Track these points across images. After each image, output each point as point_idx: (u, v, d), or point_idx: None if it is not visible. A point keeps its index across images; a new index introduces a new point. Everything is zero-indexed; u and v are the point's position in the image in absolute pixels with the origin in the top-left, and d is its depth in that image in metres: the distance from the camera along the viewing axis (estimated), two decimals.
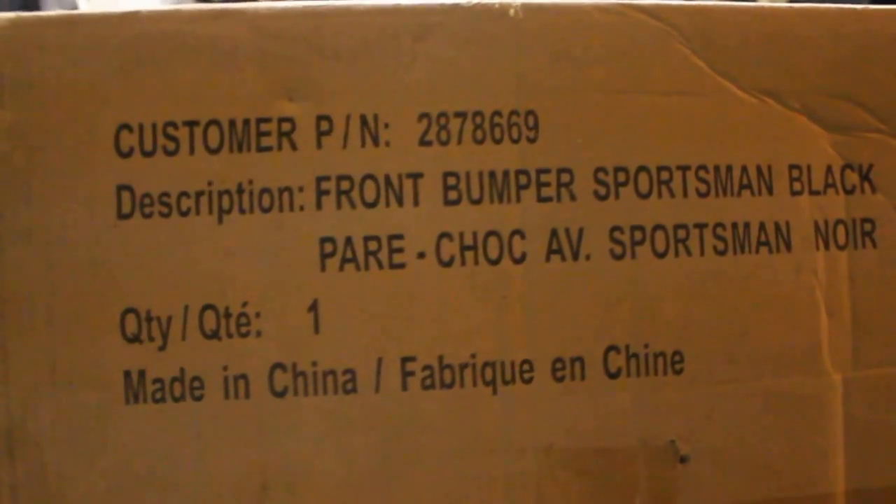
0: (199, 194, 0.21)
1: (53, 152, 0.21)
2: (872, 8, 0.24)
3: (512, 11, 0.22)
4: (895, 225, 0.24)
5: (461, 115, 0.22)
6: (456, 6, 0.22)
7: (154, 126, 0.21)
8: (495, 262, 0.22)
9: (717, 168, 0.23)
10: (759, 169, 0.23)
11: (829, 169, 0.23)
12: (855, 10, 0.24)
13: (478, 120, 0.22)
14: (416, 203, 0.22)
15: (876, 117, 0.24)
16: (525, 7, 0.22)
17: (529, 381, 0.22)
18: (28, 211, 0.21)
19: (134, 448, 0.21)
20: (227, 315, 0.21)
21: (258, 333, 0.21)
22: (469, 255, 0.22)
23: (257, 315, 0.21)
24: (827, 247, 0.23)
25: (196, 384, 0.21)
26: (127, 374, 0.21)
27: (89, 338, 0.21)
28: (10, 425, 0.20)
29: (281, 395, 0.21)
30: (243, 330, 0.21)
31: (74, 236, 0.21)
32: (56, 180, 0.21)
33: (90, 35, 0.21)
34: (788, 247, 0.23)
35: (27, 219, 0.21)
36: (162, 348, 0.21)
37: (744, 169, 0.23)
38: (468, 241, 0.22)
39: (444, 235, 0.22)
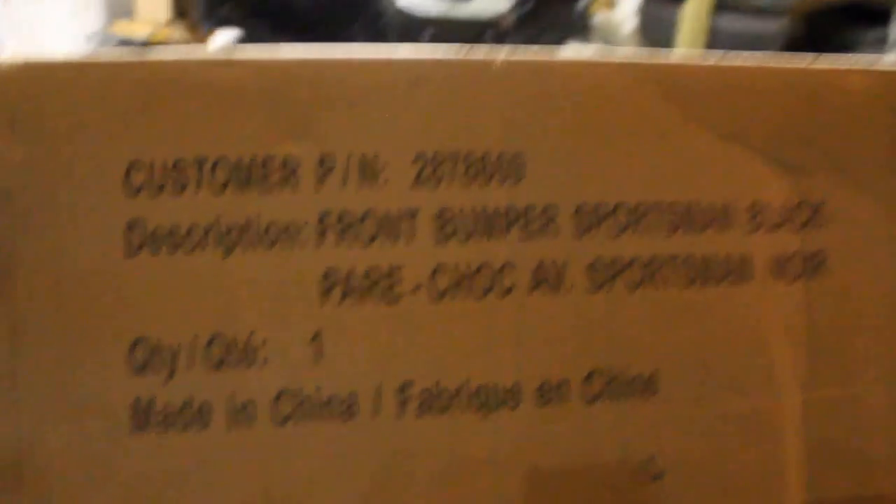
0: (206, 229, 0.22)
1: (64, 188, 0.22)
2: (818, 67, 0.26)
3: (496, 64, 0.24)
4: (844, 257, 0.26)
5: (453, 156, 0.23)
6: (445, 60, 0.24)
7: (163, 163, 0.22)
8: (485, 294, 0.23)
9: (685, 205, 0.25)
10: (722, 206, 0.25)
11: (784, 206, 0.26)
12: (804, 67, 0.26)
13: (468, 161, 0.23)
14: (411, 239, 0.23)
15: (826, 159, 0.26)
16: (508, 60, 0.24)
17: (516, 406, 0.23)
18: (40, 244, 0.22)
19: (141, 475, 0.21)
20: (234, 344, 0.22)
21: (264, 361, 0.22)
22: (461, 287, 0.23)
23: (263, 343, 0.22)
24: (785, 278, 0.25)
25: (204, 411, 0.22)
26: (134, 402, 0.22)
27: (98, 367, 0.21)
28: (19, 455, 0.21)
29: (285, 421, 0.22)
30: (248, 359, 0.22)
31: (85, 269, 0.22)
32: (67, 215, 0.22)
33: (101, 78, 0.22)
34: (750, 278, 0.25)
35: (39, 252, 0.21)
36: (169, 377, 0.22)
37: (709, 206, 0.25)
38: (460, 274, 0.23)
39: (438, 270, 0.23)
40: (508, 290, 0.23)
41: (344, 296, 0.23)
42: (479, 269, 0.23)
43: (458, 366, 0.23)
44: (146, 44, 2.55)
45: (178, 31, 2.64)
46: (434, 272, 0.23)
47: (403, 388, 0.22)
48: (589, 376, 0.24)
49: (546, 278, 0.24)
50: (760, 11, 1.99)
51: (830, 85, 0.26)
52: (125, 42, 2.49)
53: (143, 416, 0.22)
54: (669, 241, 0.25)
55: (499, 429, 0.23)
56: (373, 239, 0.23)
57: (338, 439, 0.22)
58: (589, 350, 0.24)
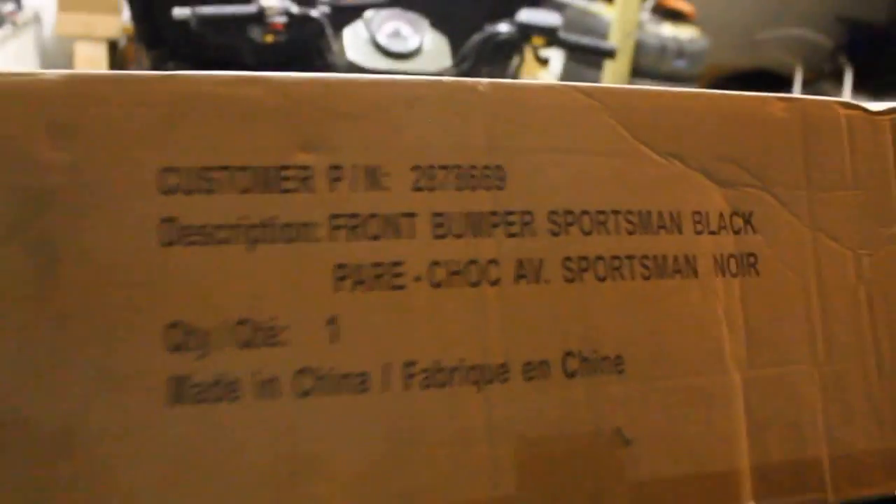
0: (232, 227, 0.25)
1: (105, 189, 0.24)
2: (744, 95, 0.31)
3: (480, 87, 0.28)
4: (771, 258, 0.30)
5: (445, 167, 0.27)
6: (438, 81, 0.28)
7: (193, 169, 0.25)
8: (476, 285, 0.27)
9: (640, 212, 0.29)
10: (670, 214, 0.29)
11: (721, 215, 0.30)
12: (733, 94, 0.31)
13: (458, 171, 0.27)
14: (411, 237, 0.26)
15: (752, 175, 0.31)
16: (490, 84, 0.28)
17: (505, 380, 0.27)
18: (83, 238, 0.24)
19: (178, 442, 0.24)
20: (259, 328, 0.25)
21: (285, 343, 0.25)
22: (455, 278, 0.27)
23: (284, 328, 0.25)
24: (724, 275, 0.30)
25: (233, 385, 0.24)
26: (170, 379, 0.24)
27: (137, 347, 0.24)
28: (68, 426, 0.23)
29: (305, 394, 0.25)
30: (272, 340, 0.25)
31: (124, 260, 0.24)
32: (107, 212, 0.24)
33: (137, 91, 0.25)
34: (696, 274, 0.29)
35: (82, 245, 0.24)
36: (202, 356, 0.24)
37: (660, 214, 0.29)
38: (454, 267, 0.27)
39: (435, 263, 0.27)
40: (495, 282, 0.27)
41: (354, 285, 0.26)
42: (469, 264, 0.27)
43: (455, 346, 0.26)
44: None
45: None
46: (431, 265, 0.27)
47: (408, 366, 0.26)
48: (566, 356, 0.27)
49: (526, 272, 0.27)
50: (673, 78, 2.13)
51: (755, 111, 0.31)
52: None
53: (178, 390, 0.24)
54: (629, 242, 0.29)
55: (491, 401, 0.26)
56: (378, 237, 0.26)
57: (352, 410, 0.25)
58: (565, 334, 0.27)
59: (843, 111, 0.32)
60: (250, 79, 0.26)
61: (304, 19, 1.16)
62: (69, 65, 2.61)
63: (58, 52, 2.68)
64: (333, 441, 0.25)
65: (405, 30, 1.17)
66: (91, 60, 2.62)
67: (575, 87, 0.29)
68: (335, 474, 0.25)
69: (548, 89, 0.29)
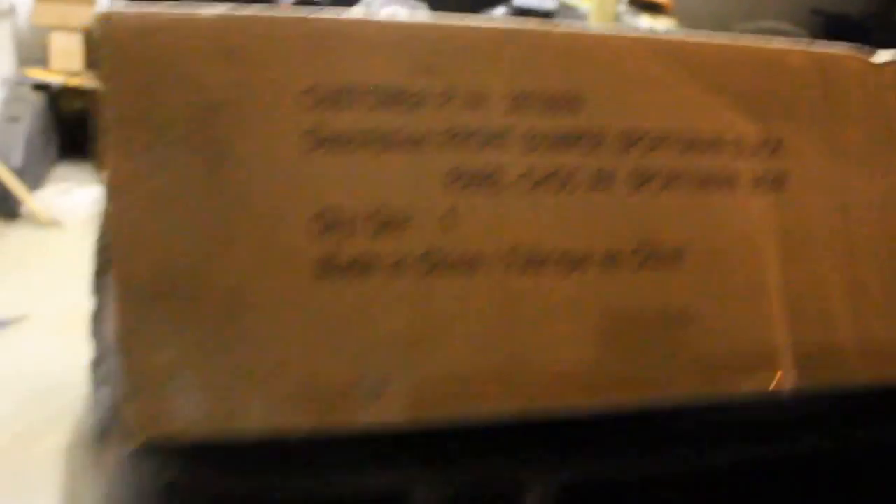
0: (365, 135, 0.30)
1: (260, 103, 0.29)
2: (769, 46, 0.37)
3: (557, 29, 0.33)
4: (799, 178, 0.36)
5: (534, 93, 0.32)
6: (523, 29, 0.33)
7: (332, 89, 0.30)
8: (559, 191, 0.32)
9: (691, 136, 0.34)
10: (716, 138, 0.35)
11: (756, 141, 0.36)
12: (760, 46, 0.36)
13: (544, 97, 0.32)
14: (508, 148, 0.31)
15: (781, 110, 0.36)
16: (566, 28, 0.33)
17: (587, 267, 0.32)
18: (243, 143, 0.29)
19: (323, 313, 0.29)
20: (389, 219, 0.30)
21: (410, 231, 0.30)
22: (543, 184, 0.32)
23: (409, 218, 0.30)
24: (759, 190, 0.35)
25: (368, 267, 0.29)
26: (316, 259, 0.29)
27: (289, 233, 0.29)
28: (234, 296, 0.28)
29: (427, 274, 0.30)
30: (399, 229, 0.30)
31: (276, 162, 0.29)
32: (262, 123, 0.29)
33: (287, 25, 0.30)
34: (737, 188, 0.35)
35: (242, 149, 0.29)
36: (344, 239, 0.29)
37: (707, 137, 0.35)
38: (542, 175, 0.32)
39: (528, 171, 0.32)
40: (576, 188, 0.32)
41: (465, 185, 0.31)
42: (554, 173, 0.32)
43: (548, 237, 0.31)
44: (62, 87, 2.55)
45: (90, 80, 2.64)
46: (524, 172, 0.32)
47: (512, 252, 0.31)
48: (636, 249, 0.32)
49: (601, 180, 0.33)
50: None
51: (780, 59, 0.37)
52: (40, 86, 2.48)
53: (324, 269, 0.29)
54: (683, 159, 0.34)
55: (578, 283, 0.31)
56: (482, 147, 0.31)
57: (465, 288, 0.30)
58: (633, 231, 0.33)
59: (852, 57, 0.38)
60: (379, 23, 0.31)
61: (306, 2, 1.21)
62: (45, 55, 2.61)
63: (33, 42, 2.68)
64: (453, 312, 0.30)
65: (403, 13, 1.22)
66: (66, 50, 2.63)
67: (632, 33, 0.34)
68: (455, 338, 0.30)
69: (615, 37, 0.34)
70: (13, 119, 2.27)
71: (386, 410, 0.28)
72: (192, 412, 0.27)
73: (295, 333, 0.28)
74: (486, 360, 0.30)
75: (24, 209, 2.19)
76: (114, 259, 0.27)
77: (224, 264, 0.28)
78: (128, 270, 0.27)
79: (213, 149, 0.29)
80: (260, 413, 0.27)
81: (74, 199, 2.25)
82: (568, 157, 0.32)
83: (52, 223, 2.18)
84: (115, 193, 0.27)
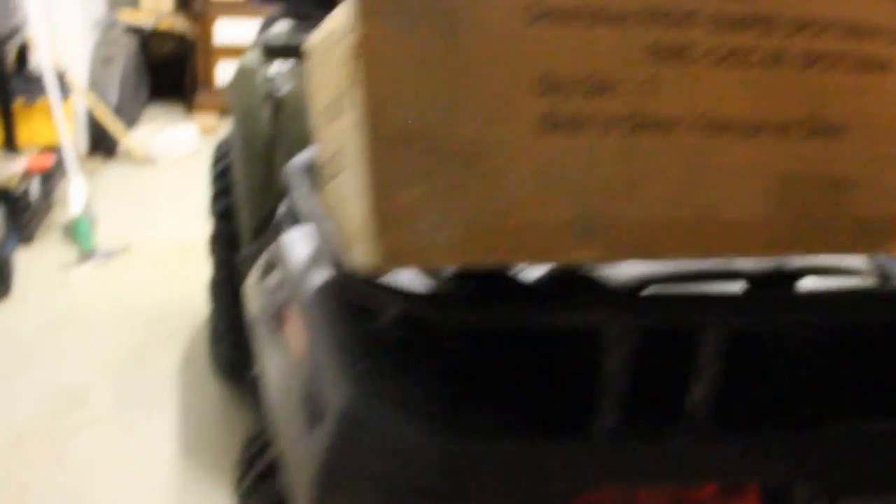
0: (578, 10, 0.34)
1: None
2: None
3: None
4: None
5: None
6: None
7: None
8: (738, 65, 0.35)
9: (854, 22, 0.37)
10: (875, 26, 0.38)
11: None
12: None
13: None
14: (698, 27, 0.35)
15: None
16: None
17: (763, 135, 0.35)
18: (475, 16, 0.33)
19: (545, 160, 0.33)
20: (600, 82, 0.34)
21: (618, 94, 0.34)
22: (727, 58, 0.35)
23: (617, 83, 0.34)
24: None
25: (583, 123, 0.33)
26: (539, 114, 0.33)
27: (515, 93, 0.33)
28: (472, 142, 0.33)
29: (632, 131, 0.34)
30: (609, 92, 0.34)
31: (499, 33, 0.33)
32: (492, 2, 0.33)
33: None
34: (890, 72, 0.37)
35: (479, 22, 0.33)
36: (561, 101, 0.33)
37: (868, 25, 0.37)
38: (725, 51, 0.35)
39: (713, 48, 0.35)
40: (753, 66, 0.35)
41: (662, 57, 0.34)
42: (734, 51, 0.35)
43: (730, 106, 0.35)
44: (153, 30, 2.63)
45: (180, 20, 2.72)
46: (711, 50, 0.35)
47: (701, 117, 0.34)
48: (804, 121, 0.36)
49: (774, 58, 0.36)
50: None
51: None
52: (132, 28, 2.57)
53: (544, 124, 0.33)
54: (845, 44, 0.37)
55: (755, 148, 0.35)
56: (677, 25, 0.35)
57: (662, 147, 0.34)
58: (803, 105, 0.36)
59: None
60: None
61: None
62: (135, 5, 2.68)
63: None
64: (651, 167, 0.34)
65: None
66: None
67: None
68: (652, 189, 0.34)
69: None
70: (107, 60, 2.36)
71: (593, 249, 0.33)
72: (436, 245, 0.31)
73: (520, 179, 0.33)
74: (677, 210, 0.34)
75: (120, 147, 2.29)
76: (367, 107, 0.32)
77: (460, 118, 0.33)
78: (380, 118, 0.32)
79: (448, 20, 0.33)
80: (489, 247, 0.32)
81: (166, 138, 2.34)
82: (745, 38, 0.36)
83: (147, 160, 2.28)
84: (367, 54, 0.32)
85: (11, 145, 1.84)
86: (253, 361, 1.20)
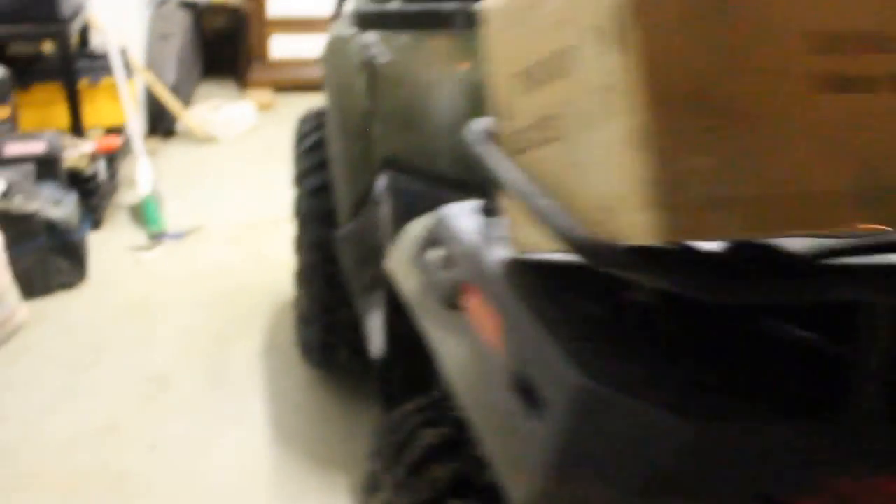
0: None
1: None
2: None
3: None
4: None
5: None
6: None
7: None
8: None
9: None
10: None
11: None
12: None
13: None
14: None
15: None
16: None
17: None
18: None
19: (824, 122, 0.28)
20: (884, 42, 0.28)
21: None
22: None
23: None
24: None
25: (871, 83, 0.28)
26: (814, 74, 0.28)
27: (792, 52, 0.28)
28: (753, 104, 0.28)
29: None
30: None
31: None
32: None
33: None
34: None
35: None
36: (841, 59, 0.28)
37: None
38: None
39: None
40: None
41: None
42: None
43: None
44: (207, 5, 2.59)
45: None
46: None
47: None
48: None
49: None
50: None
51: None
52: (186, 3, 2.53)
53: (828, 84, 0.28)
54: None
55: None
56: None
57: None
58: None
59: None
60: None
61: None
62: None
63: None
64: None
65: None
66: None
67: None
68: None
69: None
70: (164, 37, 2.32)
71: (878, 217, 0.28)
72: (718, 217, 0.27)
73: (801, 144, 0.28)
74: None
75: (178, 126, 2.26)
76: (645, 69, 0.28)
77: (741, 79, 0.28)
78: (660, 79, 0.28)
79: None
80: (772, 218, 0.28)
81: (224, 116, 2.30)
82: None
83: (208, 138, 2.25)
84: (642, 15, 0.28)
85: (77, 127, 1.81)
86: (345, 346, 1.17)
